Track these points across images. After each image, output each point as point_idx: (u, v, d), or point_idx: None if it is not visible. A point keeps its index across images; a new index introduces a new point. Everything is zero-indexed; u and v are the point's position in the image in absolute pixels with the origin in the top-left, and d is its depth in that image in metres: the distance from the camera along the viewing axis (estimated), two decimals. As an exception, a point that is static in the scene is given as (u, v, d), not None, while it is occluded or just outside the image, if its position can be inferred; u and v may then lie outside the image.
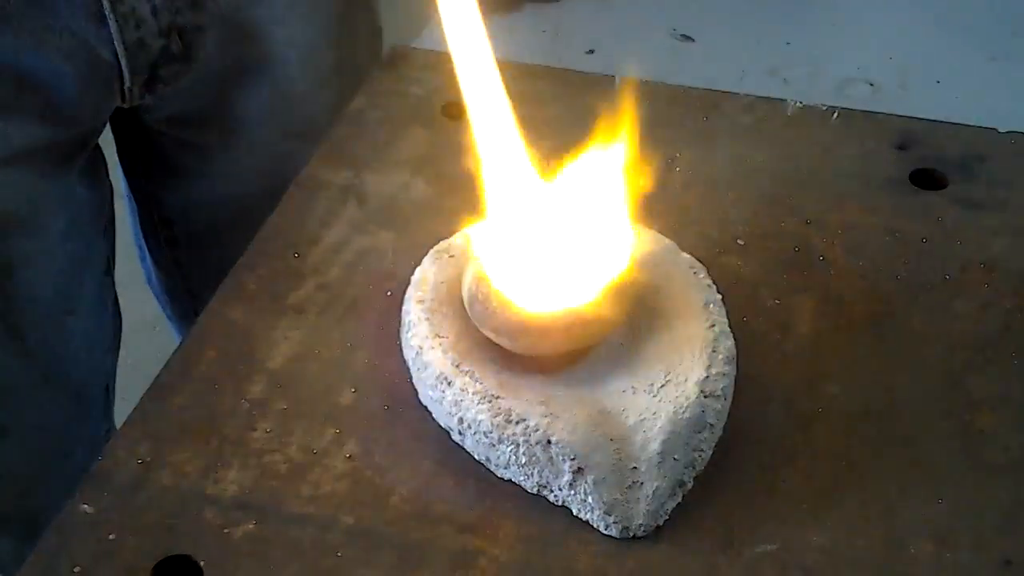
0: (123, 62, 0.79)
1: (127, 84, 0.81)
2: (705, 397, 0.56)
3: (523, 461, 0.55)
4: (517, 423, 0.55)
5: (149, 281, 1.06)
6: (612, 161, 0.60)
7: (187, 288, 1.02)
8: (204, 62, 0.84)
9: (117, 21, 0.77)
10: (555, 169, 0.61)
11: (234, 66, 0.86)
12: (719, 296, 0.61)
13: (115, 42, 0.78)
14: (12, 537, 0.87)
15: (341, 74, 0.91)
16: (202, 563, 0.52)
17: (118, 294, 0.96)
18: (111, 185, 0.91)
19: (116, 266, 0.94)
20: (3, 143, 0.77)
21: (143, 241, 1.02)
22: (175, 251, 1.00)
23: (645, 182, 0.65)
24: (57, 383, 0.89)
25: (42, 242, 0.83)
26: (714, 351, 0.57)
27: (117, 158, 0.96)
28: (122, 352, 0.98)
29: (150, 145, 0.93)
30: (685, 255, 0.63)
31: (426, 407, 0.59)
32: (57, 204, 0.83)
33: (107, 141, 0.91)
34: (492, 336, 0.58)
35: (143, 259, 1.05)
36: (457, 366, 0.57)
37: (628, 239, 0.59)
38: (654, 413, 0.55)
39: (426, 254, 0.63)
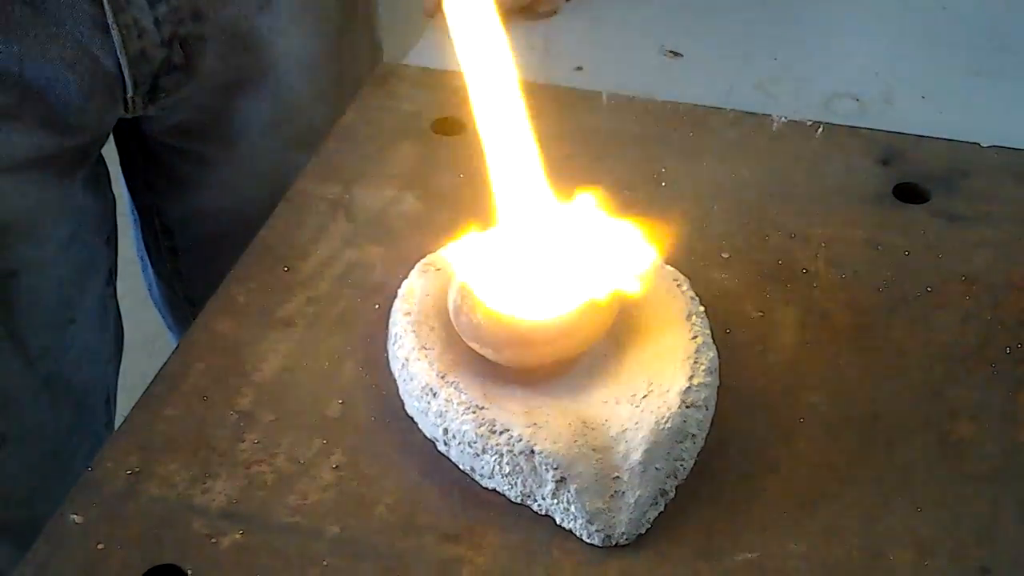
0: (126, 72, 0.80)
1: (129, 94, 0.82)
2: (687, 407, 0.56)
3: (507, 471, 0.55)
4: (501, 433, 0.56)
5: (150, 291, 1.07)
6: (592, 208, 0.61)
7: (187, 298, 1.03)
8: (206, 72, 0.85)
9: (120, 31, 0.78)
10: (544, 184, 0.62)
11: (235, 77, 0.87)
12: (702, 308, 0.61)
13: (118, 52, 0.79)
14: (12, 544, 0.88)
15: (341, 86, 0.92)
16: (189, 573, 0.53)
17: (121, 311, 0.96)
18: (114, 196, 0.92)
19: (119, 283, 0.95)
20: (7, 151, 0.78)
21: (144, 251, 1.03)
22: (176, 261, 1.01)
23: (631, 196, 0.65)
24: (58, 391, 0.90)
25: (45, 250, 0.84)
26: (696, 362, 0.58)
27: (120, 169, 0.97)
28: (123, 368, 0.99)
29: (152, 155, 0.94)
30: (669, 268, 0.64)
31: (412, 418, 0.59)
32: (60, 213, 0.84)
33: (110, 152, 0.92)
34: (477, 348, 0.59)
35: (144, 269, 1.06)
36: (442, 377, 0.58)
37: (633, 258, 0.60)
38: (636, 423, 0.56)
39: (413, 267, 0.64)
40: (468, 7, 0.59)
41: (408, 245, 0.69)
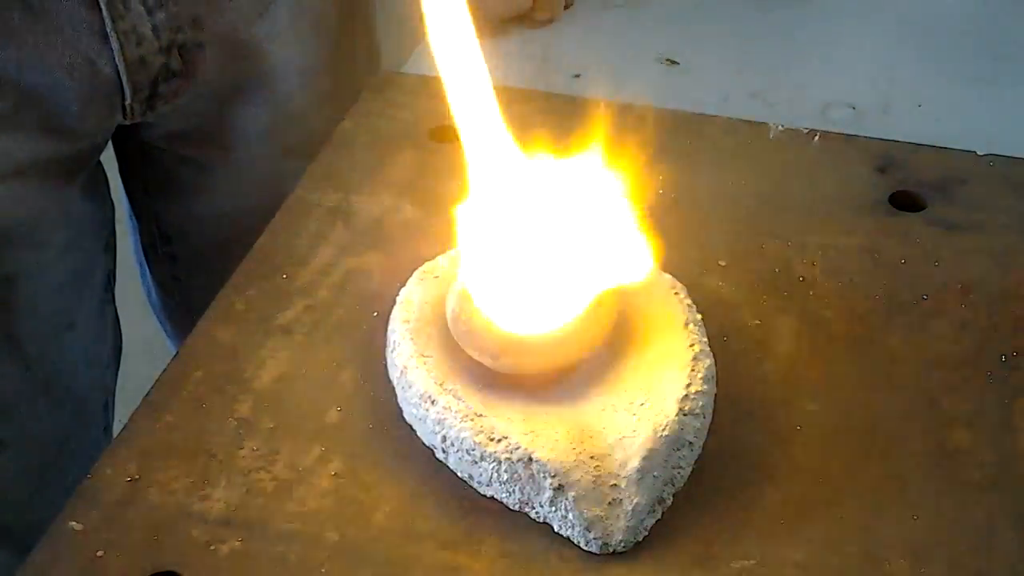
0: (124, 79, 0.81)
1: (128, 100, 0.82)
2: (684, 415, 0.57)
3: (505, 478, 0.56)
4: (499, 441, 0.56)
5: (149, 298, 1.07)
6: (600, 182, 0.61)
7: (186, 305, 1.03)
8: (204, 79, 0.85)
9: (119, 38, 0.78)
10: (540, 189, 0.62)
11: (234, 84, 0.87)
12: (699, 316, 0.62)
13: (116, 59, 0.79)
14: (9, 550, 0.88)
15: (340, 94, 0.92)
16: (188, 579, 0.53)
17: (119, 317, 0.96)
18: (112, 202, 0.93)
19: (118, 289, 0.95)
20: (5, 157, 0.79)
21: (143, 258, 1.03)
22: (174, 267, 1.01)
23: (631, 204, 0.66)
24: (56, 397, 0.90)
25: (43, 256, 0.84)
26: (693, 370, 0.58)
27: (119, 175, 0.97)
28: (122, 374, 0.99)
29: (150, 161, 0.94)
30: (666, 276, 0.64)
31: (410, 425, 0.60)
32: (59, 219, 0.85)
33: (109, 159, 0.92)
34: (475, 355, 0.59)
35: (143, 276, 1.06)
36: (440, 385, 0.58)
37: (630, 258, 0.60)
38: (634, 431, 0.56)
39: (412, 275, 0.64)
40: (448, 20, 0.59)
41: (406, 253, 0.69)
